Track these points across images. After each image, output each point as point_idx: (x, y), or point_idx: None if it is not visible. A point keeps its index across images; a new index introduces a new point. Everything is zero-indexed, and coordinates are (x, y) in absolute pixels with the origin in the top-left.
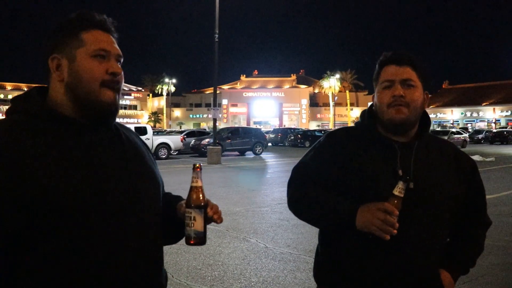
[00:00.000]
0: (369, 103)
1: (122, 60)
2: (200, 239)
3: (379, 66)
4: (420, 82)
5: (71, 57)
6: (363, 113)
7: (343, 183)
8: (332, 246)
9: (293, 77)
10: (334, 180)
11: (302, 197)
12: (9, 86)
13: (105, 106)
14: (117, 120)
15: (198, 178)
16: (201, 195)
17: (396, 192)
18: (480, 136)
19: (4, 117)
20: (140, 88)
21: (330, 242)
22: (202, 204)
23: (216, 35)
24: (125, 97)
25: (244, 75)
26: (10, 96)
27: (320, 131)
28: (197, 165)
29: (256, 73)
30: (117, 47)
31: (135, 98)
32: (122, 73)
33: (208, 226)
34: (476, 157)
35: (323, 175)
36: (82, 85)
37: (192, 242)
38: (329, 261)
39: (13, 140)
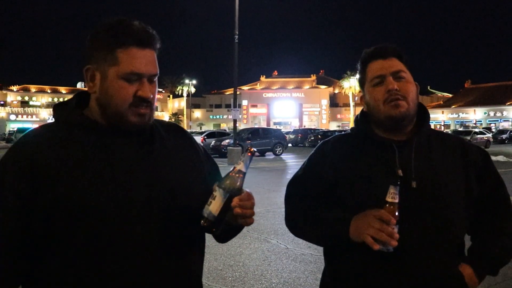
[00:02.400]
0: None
1: (156, 77)
2: (209, 223)
3: (363, 64)
4: (410, 73)
5: (104, 73)
6: (356, 118)
7: (338, 193)
8: (335, 265)
9: (313, 77)
10: (329, 191)
11: (297, 216)
12: (33, 88)
13: (132, 125)
14: None
15: (242, 161)
16: (235, 180)
17: (388, 198)
18: (504, 136)
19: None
20: (160, 89)
21: (333, 261)
22: (231, 187)
23: (236, 36)
24: None
25: (264, 76)
26: (34, 98)
27: (340, 131)
28: (250, 149)
29: (276, 73)
30: (153, 65)
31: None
32: (156, 90)
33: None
34: (500, 158)
35: (317, 188)
36: (111, 105)
37: (201, 222)
38: (333, 281)
39: (38, 146)
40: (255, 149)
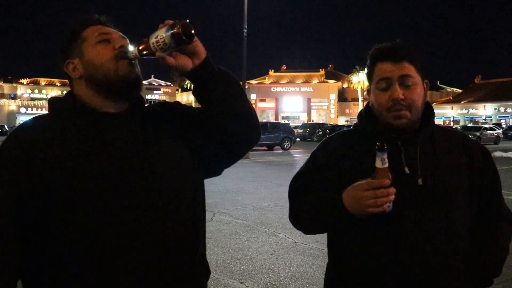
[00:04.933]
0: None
1: (128, 42)
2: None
3: (371, 61)
4: (419, 75)
5: (80, 54)
6: (360, 114)
7: (343, 190)
8: (339, 257)
9: (322, 72)
10: (332, 188)
11: (300, 208)
12: (43, 81)
13: (125, 78)
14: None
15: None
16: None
17: (378, 165)
18: None
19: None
20: (169, 83)
21: (337, 253)
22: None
23: (245, 30)
24: (155, 92)
25: (273, 70)
26: (43, 91)
27: (348, 126)
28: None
29: (285, 68)
30: (116, 31)
31: (164, 93)
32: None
33: (236, 221)
34: (510, 154)
35: (320, 184)
36: (97, 69)
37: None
38: (338, 273)
39: (32, 134)
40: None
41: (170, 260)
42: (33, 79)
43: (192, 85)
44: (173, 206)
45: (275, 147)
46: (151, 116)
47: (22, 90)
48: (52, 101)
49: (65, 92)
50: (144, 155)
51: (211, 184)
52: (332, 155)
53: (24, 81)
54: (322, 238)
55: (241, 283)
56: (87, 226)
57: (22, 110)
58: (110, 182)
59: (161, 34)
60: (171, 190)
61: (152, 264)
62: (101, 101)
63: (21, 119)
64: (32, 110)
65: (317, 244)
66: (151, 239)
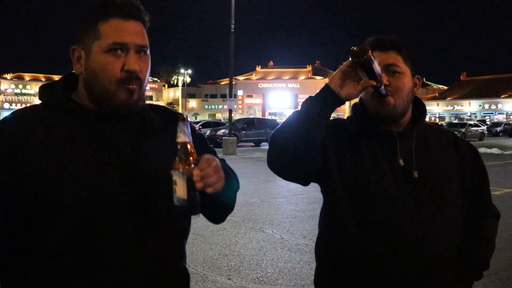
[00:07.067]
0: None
1: (147, 50)
2: (186, 209)
3: None
4: (407, 67)
5: (88, 50)
6: (355, 105)
7: (339, 173)
8: (333, 248)
9: (309, 68)
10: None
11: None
12: (27, 77)
13: (120, 105)
14: None
15: (181, 133)
16: (185, 155)
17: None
18: (498, 128)
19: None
20: (155, 79)
21: (330, 245)
22: (185, 165)
23: (232, 26)
24: None
25: (260, 66)
26: (27, 87)
27: None
28: (182, 116)
29: (272, 64)
30: (139, 36)
31: (151, 88)
32: (147, 64)
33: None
34: (494, 150)
35: None
36: (97, 83)
37: (178, 211)
38: (329, 266)
39: (20, 128)
40: (186, 113)
41: (151, 265)
42: (17, 74)
43: (180, 91)
44: (160, 213)
45: (262, 143)
46: (147, 120)
47: (6, 85)
48: (43, 93)
49: None
50: (134, 161)
51: None
52: (330, 132)
53: (8, 76)
54: (310, 233)
55: (229, 279)
56: (70, 229)
57: (6, 105)
58: (96, 186)
59: (174, 178)
60: (159, 197)
61: (133, 268)
62: (95, 105)
63: (5, 115)
64: (16, 105)
65: (304, 240)
66: (133, 244)
